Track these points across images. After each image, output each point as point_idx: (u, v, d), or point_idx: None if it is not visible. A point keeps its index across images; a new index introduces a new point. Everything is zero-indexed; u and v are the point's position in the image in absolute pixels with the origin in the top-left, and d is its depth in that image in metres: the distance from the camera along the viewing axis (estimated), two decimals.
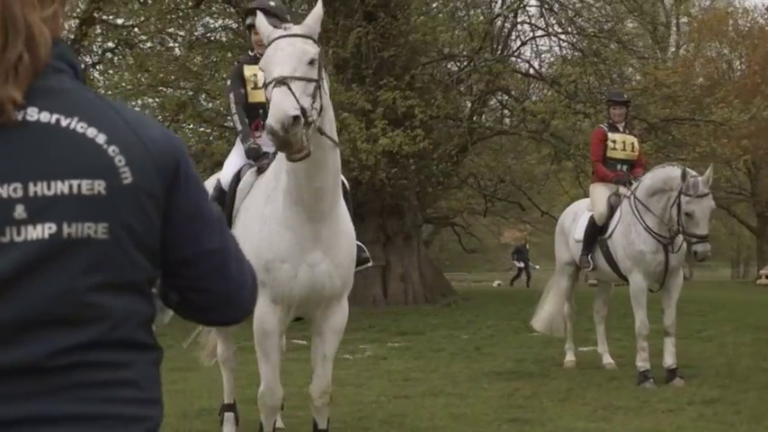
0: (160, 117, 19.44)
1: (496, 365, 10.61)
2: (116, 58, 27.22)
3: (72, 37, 27.00)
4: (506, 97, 22.15)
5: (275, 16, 6.28)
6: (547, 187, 25.75)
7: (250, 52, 6.65)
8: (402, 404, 8.30)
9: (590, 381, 9.31)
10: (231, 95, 6.51)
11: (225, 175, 6.17)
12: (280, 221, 5.29)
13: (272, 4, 6.28)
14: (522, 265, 36.12)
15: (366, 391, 9.04)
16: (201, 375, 10.39)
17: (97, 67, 28.83)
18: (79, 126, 1.59)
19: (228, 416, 6.87)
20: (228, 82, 6.72)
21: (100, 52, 28.54)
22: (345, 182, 6.06)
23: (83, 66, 28.04)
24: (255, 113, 6.29)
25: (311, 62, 4.79)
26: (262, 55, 6.03)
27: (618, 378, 9.44)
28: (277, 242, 5.27)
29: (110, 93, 19.67)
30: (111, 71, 25.95)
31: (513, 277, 36.99)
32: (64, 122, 1.58)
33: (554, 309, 10.75)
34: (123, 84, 19.50)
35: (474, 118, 21.62)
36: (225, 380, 7.05)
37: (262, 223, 5.38)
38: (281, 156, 5.34)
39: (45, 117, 1.57)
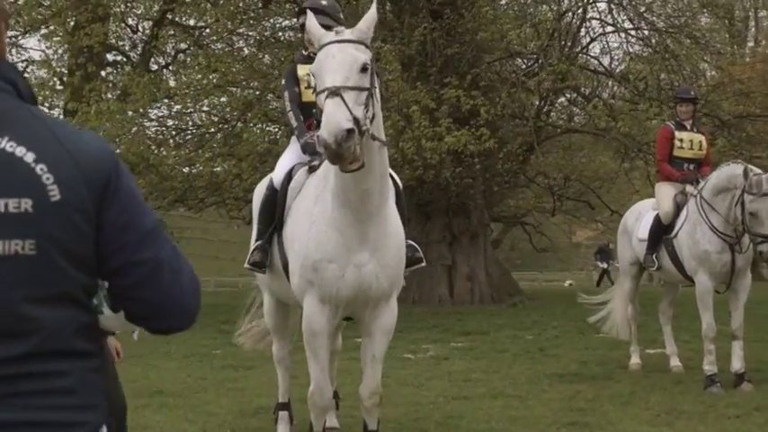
0: (228, 116, 19.73)
1: (559, 367, 10.44)
2: (188, 59, 27.73)
3: (145, 39, 27.70)
4: (575, 95, 21.82)
5: (327, 15, 6.27)
6: (617, 186, 25.31)
7: (303, 51, 6.65)
8: (460, 405, 8.22)
9: (654, 384, 9.08)
10: (286, 94, 6.53)
11: (277, 174, 6.19)
12: (327, 222, 5.28)
13: (324, 2, 6.27)
14: (605, 265, 35.11)
15: (425, 392, 8.98)
16: (261, 373, 10.47)
17: (169, 68, 29.44)
18: (8, 146, 1.67)
19: (283, 415, 6.90)
20: (283, 81, 6.73)
21: (172, 53, 29.11)
22: (398, 181, 6.02)
23: (156, 67, 28.63)
24: (309, 112, 6.30)
25: (364, 69, 4.74)
26: (314, 54, 6.05)
27: (684, 382, 9.19)
28: (324, 242, 5.26)
29: (184, 91, 20.00)
30: (182, 71, 26.41)
31: (598, 278, 35.78)
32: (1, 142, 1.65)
33: (618, 311, 10.55)
34: (194, 84, 19.75)
35: (541, 116, 21.36)
36: (280, 379, 7.08)
37: (310, 223, 5.39)
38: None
39: None
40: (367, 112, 4.68)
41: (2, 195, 1.64)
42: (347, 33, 4.87)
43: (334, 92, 4.55)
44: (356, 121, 4.50)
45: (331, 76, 4.66)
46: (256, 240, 6.13)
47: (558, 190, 24.77)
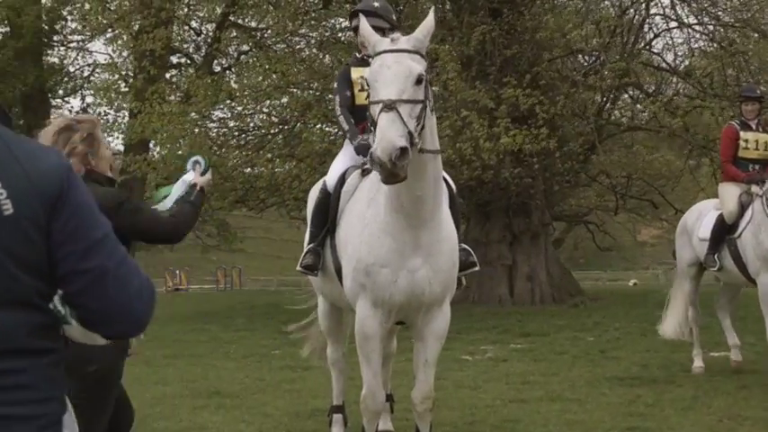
0: (288, 117, 19.87)
1: (619, 370, 10.27)
2: (251, 60, 28.04)
3: (208, 41, 28.09)
4: (638, 92, 21.45)
5: (380, 17, 6.26)
6: (681, 184, 24.82)
7: (357, 54, 6.64)
8: (517, 409, 8.13)
9: (717, 388, 8.87)
10: (337, 98, 6.54)
11: (330, 177, 6.20)
12: (380, 226, 5.28)
13: (377, 5, 6.25)
14: None
15: (482, 395, 8.92)
16: (319, 374, 10.48)
17: (232, 70, 29.81)
18: None
19: (337, 417, 6.91)
20: (336, 84, 6.72)
21: (235, 55, 29.47)
22: (452, 184, 5.97)
23: (218, 69, 28.99)
24: (362, 116, 6.24)
25: (419, 81, 4.73)
26: (368, 57, 6.04)
27: (748, 386, 8.95)
28: (377, 246, 5.26)
29: (245, 93, 20.22)
30: (244, 73, 26.70)
31: None
32: None
33: (678, 313, 10.35)
34: (254, 86, 19.94)
35: (603, 114, 21.06)
36: (334, 381, 7.10)
37: (363, 226, 5.40)
38: None
39: None
40: (418, 125, 4.67)
41: None
42: (403, 42, 4.84)
43: (390, 106, 4.53)
44: (410, 134, 4.51)
45: (386, 88, 4.64)
46: (309, 243, 6.15)
47: (620, 189, 24.39)
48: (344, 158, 6.35)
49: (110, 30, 22.82)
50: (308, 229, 6.32)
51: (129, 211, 4.11)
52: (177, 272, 49.03)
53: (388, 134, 4.42)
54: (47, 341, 1.92)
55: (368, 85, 4.85)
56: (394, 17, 6.63)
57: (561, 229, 32.99)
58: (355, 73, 6.39)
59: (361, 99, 6.30)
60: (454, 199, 5.88)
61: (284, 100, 20.51)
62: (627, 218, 33.54)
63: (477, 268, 6.03)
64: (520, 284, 19.94)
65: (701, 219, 9.86)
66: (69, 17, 28.37)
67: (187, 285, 46.06)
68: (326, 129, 19.05)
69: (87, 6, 21.61)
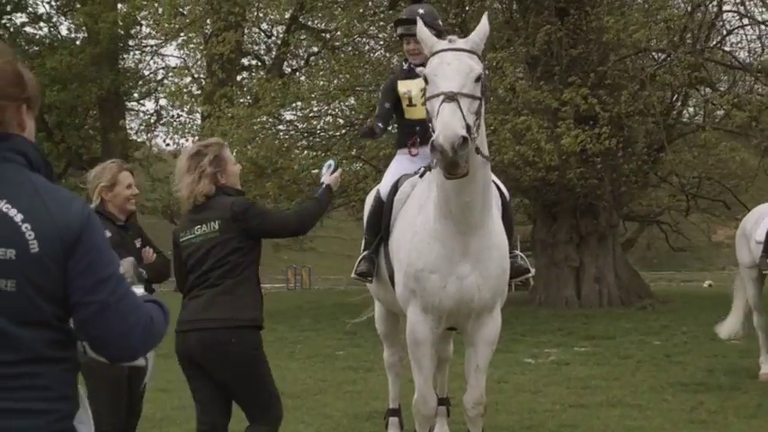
0: (354, 119, 20.01)
1: (684, 376, 10.12)
2: (320, 62, 28.29)
3: (278, 43, 28.45)
4: (709, 91, 21.01)
5: (426, 24, 6.29)
6: (756, 184, 24.17)
7: (404, 64, 6.60)
8: (576, 414, 8.09)
9: None
10: (378, 108, 6.62)
11: (384, 185, 6.27)
12: (429, 233, 5.34)
13: (422, 11, 6.26)
14: None
15: (541, 399, 8.90)
16: (381, 375, 10.56)
17: (302, 72, 30.12)
18: (5, 207, 2.21)
19: (393, 421, 6.99)
20: (380, 94, 6.77)
21: (305, 57, 29.79)
22: (505, 192, 6.00)
23: (288, 70, 29.35)
24: (412, 130, 6.32)
25: (477, 79, 4.81)
26: (415, 66, 6.11)
27: None
28: (426, 252, 5.32)
29: (312, 95, 20.43)
30: (314, 75, 26.96)
31: None
32: None
33: (736, 314, 10.21)
34: (321, 88, 20.14)
35: (672, 114, 20.69)
36: (390, 385, 7.19)
37: (413, 233, 5.47)
38: (435, 169, 5.37)
39: None
40: (476, 120, 4.74)
41: None
42: (461, 42, 4.95)
43: (451, 97, 4.60)
44: (468, 128, 4.56)
45: (447, 81, 4.71)
46: (363, 250, 6.24)
47: (691, 189, 23.92)
48: (397, 167, 6.41)
49: (181, 34, 23.31)
50: (364, 237, 6.41)
51: (254, 214, 4.72)
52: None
53: (450, 123, 4.47)
54: (61, 352, 2.30)
55: (426, 81, 4.88)
56: (440, 22, 6.63)
57: (633, 229, 32.49)
58: (402, 86, 6.39)
59: (410, 114, 6.34)
60: (507, 206, 5.91)
61: (351, 102, 20.68)
62: (701, 218, 32.81)
63: (531, 274, 6.06)
64: (587, 286, 19.74)
65: (759, 222, 9.71)
66: (144, 22, 29.03)
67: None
68: (393, 131, 19.08)
69: (161, 11, 22.07)
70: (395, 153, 6.78)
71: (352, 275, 6.31)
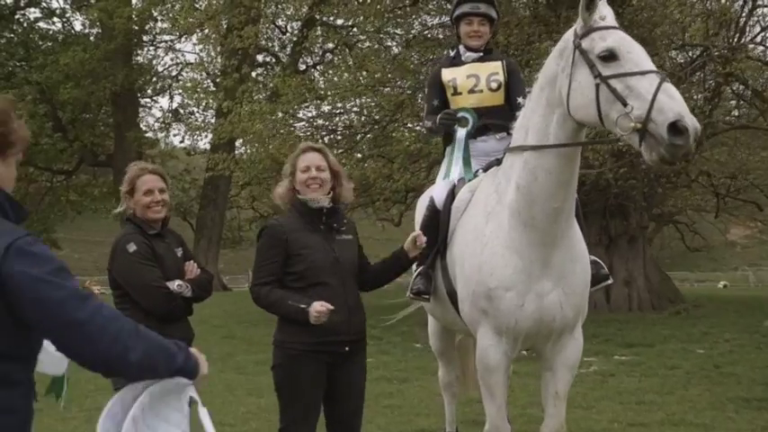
0: (377, 116, 19.47)
1: (742, 390, 9.53)
2: (336, 59, 27.79)
3: (294, 39, 27.95)
4: (743, 88, 20.40)
5: (488, 2, 5.77)
6: None
7: (450, 52, 6.06)
8: None
9: None
10: (426, 106, 6.05)
11: (438, 192, 5.60)
12: (504, 243, 4.70)
13: None
14: None
15: (595, 416, 8.33)
16: (418, 388, 10.09)
17: (318, 68, 29.62)
18: None
19: None
20: (426, 89, 6.17)
21: (320, 53, 29.28)
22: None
23: (303, 67, 28.86)
24: None
25: None
26: (459, 54, 5.63)
27: None
28: (500, 267, 4.68)
29: (329, 93, 19.92)
30: (330, 71, 26.48)
31: None
32: None
33: None
34: (342, 84, 19.61)
35: (706, 111, 20.09)
36: (446, 405, 6.61)
37: (482, 245, 4.80)
38: (507, 169, 4.80)
39: None
40: None
41: None
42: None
43: (664, 77, 3.97)
44: None
45: (647, 60, 4.10)
46: (418, 265, 5.52)
47: (721, 189, 23.31)
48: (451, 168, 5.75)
49: (198, 29, 22.83)
50: None
51: None
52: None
53: (685, 105, 3.84)
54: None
55: (607, 55, 4.11)
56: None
57: (650, 228, 32.00)
58: (447, 75, 5.83)
59: (456, 103, 5.77)
60: (579, 209, 5.26)
61: (366, 99, 20.14)
62: (719, 218, 32.30)
63: (610, 281, 5.45)
64: (616, 290, 19.12)
65: None
66: (159, 17, 28.53)
67: None
68: (418, 128, 18.54)
69: (178, 7, 21.59)
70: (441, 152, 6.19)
71: (408, 295, 5.63)
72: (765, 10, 19.64)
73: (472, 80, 5.68)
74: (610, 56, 4.10)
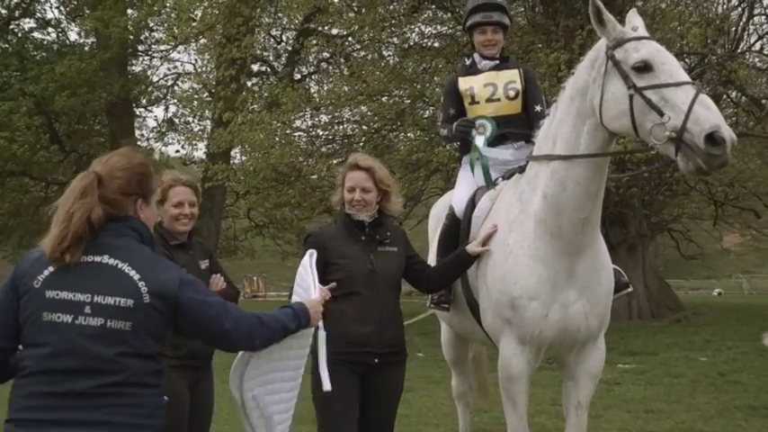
0: (377, 125, 19.44)
1: (749, 398, 9.52)
2: (331, 68, 27.74)
3: (290, 49, 27.91)
4: (740, 96, 20.46)
5: (504, 12, 5.75)
6: None
7: (466, 60, 6.00)
8: None
9: None
10: (440, 114, 6.01)
11: (458, 201, 5.58)
12: (529, 253, 4.67)
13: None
14: None
15: (604, 424, 8.31)
16: (425, 397, 10.04)
17: (313, 77, 29.58)
18: (126, 268, 3.01)
19: None
20: (442, 98, 6.13)
21: (315, 62, 29.21)
22: None
23: (299, 76, 28.83)
24: None
25: None
26: (475, 63, 5.68)
27: None
28: (525, 277, 4.65)
29: (327, 103, 19.89)
30: (326, 81, 26.46)
31: None
32: (120, 265, 3.02)
33: None
34: (337, 92, 19.59)
35: None
36: (460, 415, 6.57)
37: (506, 254, 4.77)
38: (532, 178, 4.77)
39: (111, 261, 3.03)
40: None
41: (118, 295, 2.97)
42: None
43: (701, 90, 3.98)
44: None
45: (683, 72, 4.10)
46: None
47: (718, 196, 23.35)
48: (469, 177, 5.69)
49: (193, 39, 22.76)
50: (435, 259, 5.63)
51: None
52: (255, 278, 49.00)
53: (722, 118, 3.87)
54: (155, 380, 3.06)
55: (642, 66, 4.11)
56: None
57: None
58: (463, 83, 5.78)
59: (473, 112, 5.71)
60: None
61: (363, 108, 20.11)
62: (713, 226, 32.42)
63: (630, 289, 5.44)
64: (617, 298, 19.10)
65: None
66: (155, 27, 28.46)
67: (265, 292, 46.05)
68: (419, 137, 18.48)
69: (174, 16, 21.53)
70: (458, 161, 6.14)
71: (429, 305, 5.59)
72: (762, 18, 19.65)
73: (490, 89, 5.65)
74: (644, 67, 4.10)
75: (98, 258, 3.01)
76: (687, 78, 4.05)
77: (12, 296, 3.03)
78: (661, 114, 3.95)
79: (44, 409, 2.89)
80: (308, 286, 3.88)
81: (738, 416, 8.57)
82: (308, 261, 4.04)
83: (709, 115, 3.82)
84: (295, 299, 3.87)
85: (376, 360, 4.60)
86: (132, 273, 2.99)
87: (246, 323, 3.22)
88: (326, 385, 3.98)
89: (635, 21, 4.36)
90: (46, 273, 2.99)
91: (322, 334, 3.84)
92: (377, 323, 4.59)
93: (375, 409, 4.69)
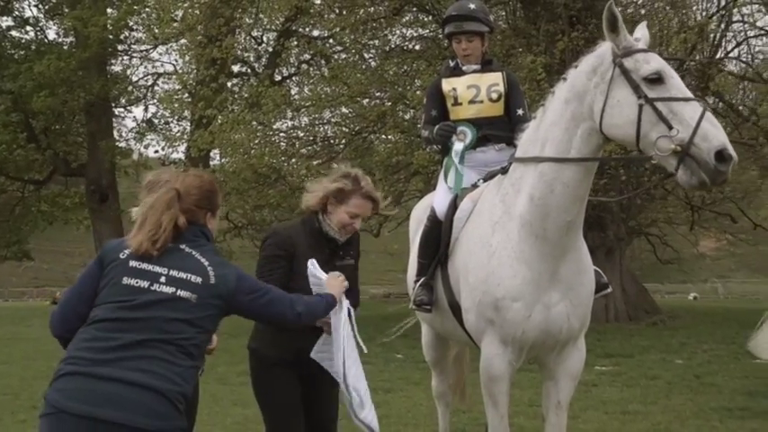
0: (358, 127, 19.48)
1: (724, 400, 9.64)
2: (311, 70, 27.73)
3: (270, 50, 27.88)
4: (718, 102, 20.67)
5: (478, 20, 5.78)
6: (755, 196, 23.93)
7: (450, 62, 6.03)
8: None
9: None
10: (423, 116, 6.05)
11: (439, 202, 5.58)
12: (513, 254, 4.71)
13: (473, 6, 5.74)
14: None
15: (582, 425, 8.38)
16: (404, 398, 10.09)
17: (293, 79, 29.56)
18: (200, 257, 3.63)
19: None
20: (425, 99, 6.18)
21: (296, 64, 29.20)
22: None
23: (279, 77, 28.79)
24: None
25: None
26: (459, 65, 5.80)
27: None
28: (509, 278, 4.69)
29: (305, 104, 19.92)
30: (306, 82, 26.45)
31: None
32: (194, 253, 3.65)
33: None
34: (318, 94, 19.63)
35: None
36: (440, 416, 6.59)
37: (489, 255, 4.80)
38: (517, 180, 4.82)
39: (187, 249, 3.65)
40: None
41: (189, 272, 3.55)
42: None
43: (708, 108, 4.10)
44: None
45: (686, 89, 4.21)
46: (418, 275, 5.52)
47: (695, 200, 23.57)
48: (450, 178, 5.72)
49: (174, 40, 22.72)
50: (415, 261, 5.69)
51: None
52: (237, 273, 48.75)
53: (727, 137, 3.99)
54: (198, 352, 3.55)
55: (656, 78, 4.17)
56: (492, 18, 6.13)
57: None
58: (447, 84, 5.82)
59: (456, 113, 5.77)
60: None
61: (344, 110, 20.16)
62: (690, 230, 32.71)
63: (609, 290, 5.51)
64: (594, 301, 19.21)
65: None
66: (135, 27, 28.36)
67: None
68: (399, 140, 18.52)
69: (155, 16, 21.48)
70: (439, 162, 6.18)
71: (411, 306, 5.61)
72: (740, 25, 19.85)
73: (473, 90, 5.70)
74: (657, 79, 4.17)
75: (177, 245, 3.62)
76: (692, 95, 4.16)
77: (97, 268, 3.61)
78: (670, 127, 4.03)
79: (97, 350, 3.34)
80: (319, 281, 4.34)
81: (714, 417, 8.67)
82: (311, 267, 4.42)
83: (717, 133, 3.94)
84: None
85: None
86: (203, 260, 3.60)
87: (287, 302, 3.84)
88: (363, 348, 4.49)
89: (641, 32, 4.45)
90: (130, 249, 3.58)
91: (345, 312, 4.34)
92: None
93: (321, 406, 4.75)
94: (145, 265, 3.53)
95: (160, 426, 3.30)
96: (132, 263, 3.54)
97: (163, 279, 3.51)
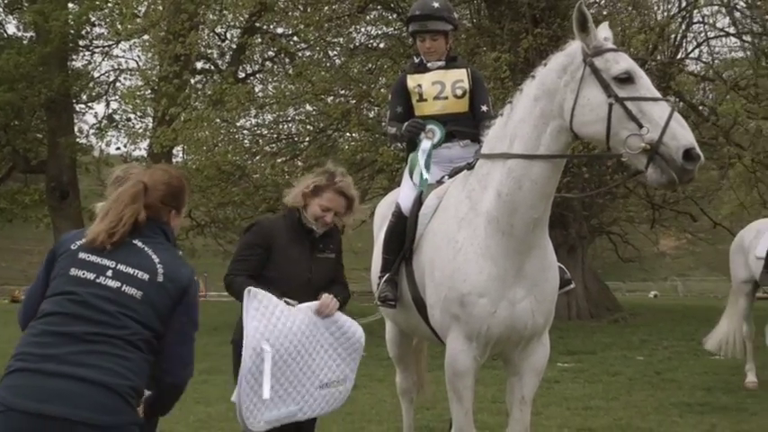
0: (322, 125, 19.42)
1: (684, 395, 9.77)
2: (275, 67, 27.60)
3: (234, 47, 27.70)
4: (678, 101, 20.92)
5: (442, 19, 5.80)
6: (718, 197, 24.25)
7: (415, 58, 6.07)
8: None
9: None
10: (388, 113, 6.08)
11: (404, 198, 5.59)
12: (478, 251, 4.73)
13: (436, 5, 5.77)
14: None
15: (545, 421, 8.44)
16: (368, 395, 10.09)
17: (257, 76, 29.39)
18: (151, 253, 3.54)
19: None
20: (390, 96, 6.19)
21: (260, 61, 29.04)
22: None
23: (243, 74, 28.62)
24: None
25: None
26: (426, 63, 5.80)
27: None
28: (474, 274, 4.71)
29: (270, 101, 19.82)
30: (270, 80, 26.32)
31: None
32: (146, 249, 3.55)
33: (730, 329, 10.12)
34: (283, 91, 19.54)
35: None
36: (404, 412, 6.60)
37: (455, 251, 4.82)
38: (483, 176, 4.83)
39: (139, 244, 3.56)
40: None
41: (137, 268, 3.47)
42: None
43: (675, 108, 4.21)
44: None
45: (654, 89, 4.30)
46: (383, 271, 5.52)
47: (655, 199, 23.81)
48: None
49: (136, 35, 22.48)
50: (379, 257, 5.68)
51: None
52: (195, 278, 48.49)
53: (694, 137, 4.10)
54: (148, 348, 3.44)
55: (626, 77, 4.24)
56: (456, 15, 6.15)
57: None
58: (412, 81, 5.85)
59: (421, 110, 5.80)
60: None
61: (309, 107, 20.10)
62: (652, 229, 33.03)
63: (573, 286, 5.56)
64: (557, 299, 19.37)
65: (758, 237, 9.72)
66: (97, 22, 28.01)
67: (205, 292, 45.56)
68: (364, 137, 18.52)
69: (117, 12, 21.26)
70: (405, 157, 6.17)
71: (376, 303, 5.60)
72: (700, 26, 20.12)
73: (437, 87, 5.72)
74: (627, 78, 4.24)
75: (131, 240, 3.54)
76: (660, 95, 4.25)
77: (51, 259, 3.61)
78: (640, 126, 4.10)
79: (44, 345, 3.30)
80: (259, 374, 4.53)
81: (674, 412, 8.79)
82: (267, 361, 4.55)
83: (685, 133, 4.04)
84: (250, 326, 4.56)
85: None
86: (154, 257, 3.52)
87: (187, 369, 3.63)
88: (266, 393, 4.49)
89: (605, 32, 4.50)
90: (84, 240, 3.54)
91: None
92: None
93: None
94: (94, 258, 3.48)
95: (109, 420, 3.23)
96: (81, 254, 3.49)
97: (110, 273, 3.45)
